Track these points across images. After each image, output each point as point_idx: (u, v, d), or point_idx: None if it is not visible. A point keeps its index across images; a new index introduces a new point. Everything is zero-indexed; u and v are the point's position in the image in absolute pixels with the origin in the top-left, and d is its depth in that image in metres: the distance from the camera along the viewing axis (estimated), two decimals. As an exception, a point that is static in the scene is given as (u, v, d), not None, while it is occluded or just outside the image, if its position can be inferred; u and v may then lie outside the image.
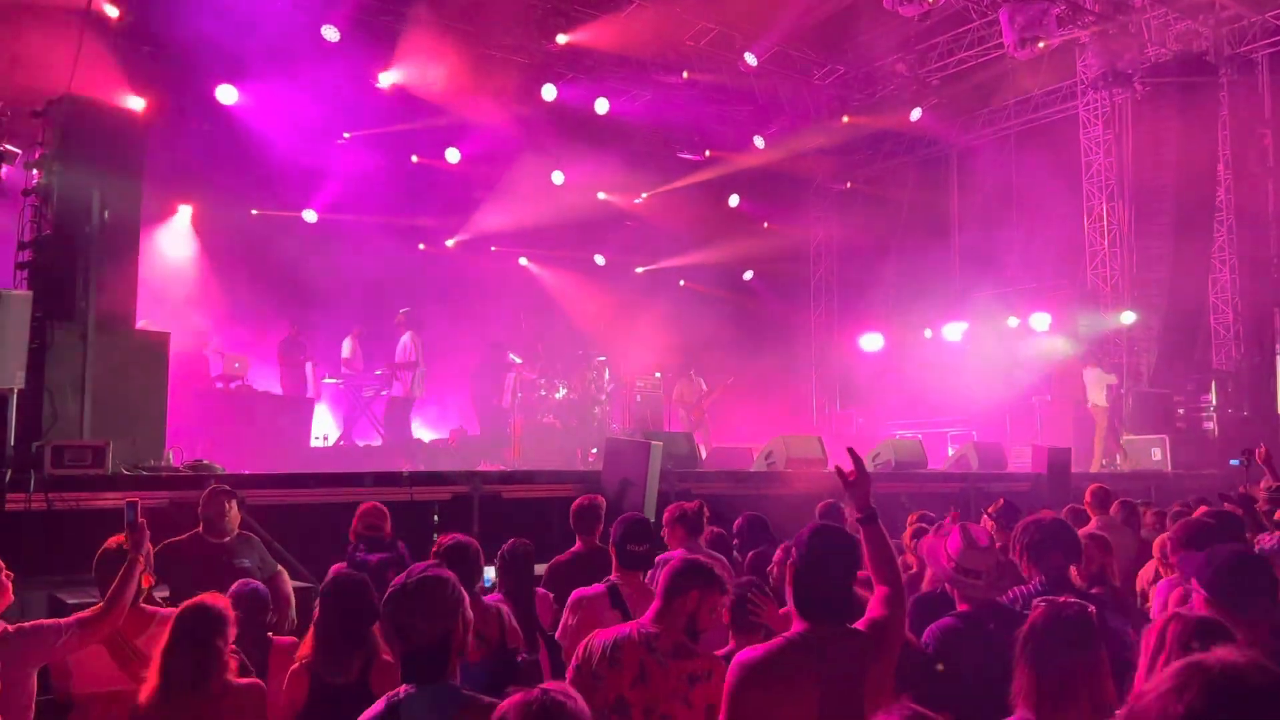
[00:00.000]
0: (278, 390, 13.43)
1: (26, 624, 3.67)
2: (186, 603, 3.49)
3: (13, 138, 8.06)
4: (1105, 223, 15.56)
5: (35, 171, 7.55)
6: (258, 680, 3.59)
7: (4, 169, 8.21)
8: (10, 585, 3.64)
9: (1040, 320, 15.56)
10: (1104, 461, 13.50)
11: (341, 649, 3.62)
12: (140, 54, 12.85)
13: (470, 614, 2.79)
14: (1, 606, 3.60)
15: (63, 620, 3.76)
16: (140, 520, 3.91)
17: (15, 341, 6.69)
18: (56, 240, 7.47)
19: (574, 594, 4.42)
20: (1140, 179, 15.23)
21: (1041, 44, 14.16)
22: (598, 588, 4.45)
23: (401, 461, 11.90)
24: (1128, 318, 14.80)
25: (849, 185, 20.11)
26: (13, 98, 8.03)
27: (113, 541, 4.05)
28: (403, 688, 2.67)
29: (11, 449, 6.19)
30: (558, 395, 14.61)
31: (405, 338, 13.70)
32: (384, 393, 14.01)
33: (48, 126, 7.66)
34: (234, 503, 5.33)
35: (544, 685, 2.12)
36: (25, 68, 8.40)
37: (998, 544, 6.06)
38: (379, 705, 2.68)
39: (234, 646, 3.48)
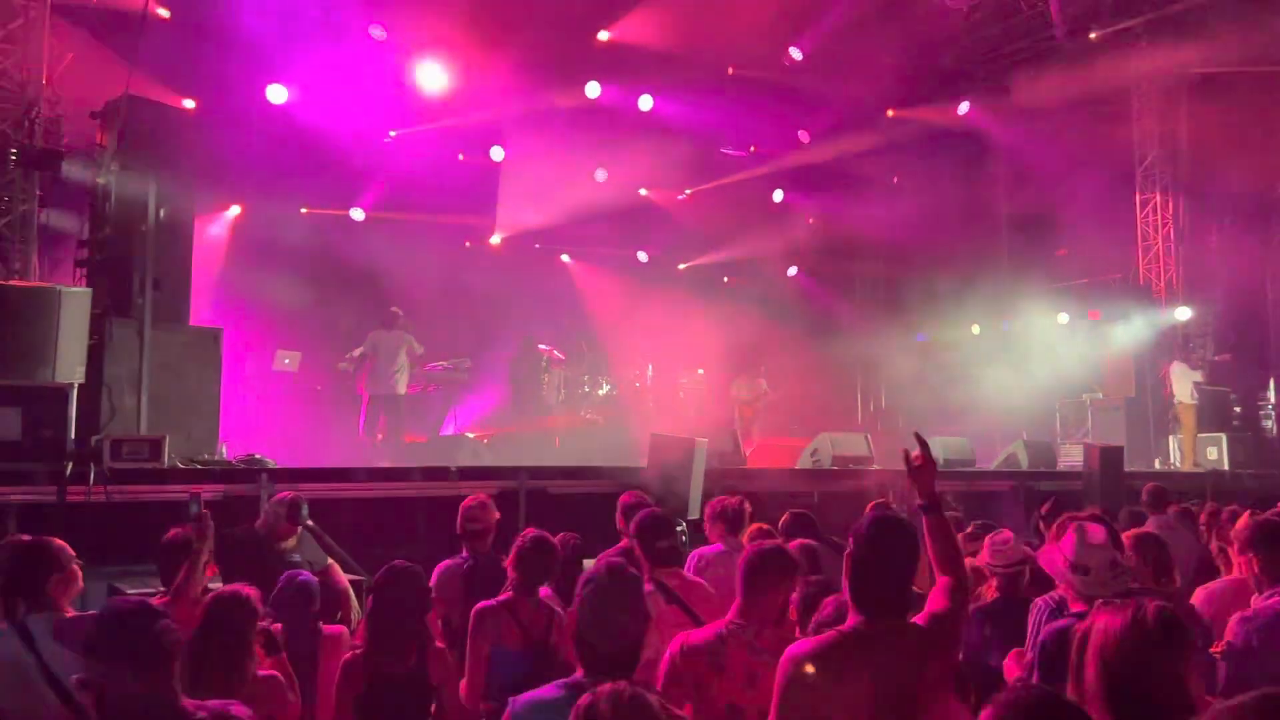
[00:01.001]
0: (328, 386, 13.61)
1: None
2: (216, 591, 3.56)
3: (72, 139, 8.28)
4: (1159, 216, 15.25)
5: (94, 171, 7.72)
6: (275, 672, 3.64)
7: (64, 169, 8.44)
8: (80, 573, 3.74)
9: (1091, 316, 15.28)
10: (1195, 461, 13.19)
11: (399, 638, 3.68)
12: (193, 54, 13.12)
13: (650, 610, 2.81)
14: (72, 595, 3.70)
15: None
16: (204, 512, 4.01)
17: (75, 337, 6.87)
18: (114, 238, 7.64)
19: None
20: (1195, 171, 14.90)
21: (1094, 34, 13.88)
22: (647, 586, 4.46)
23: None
24: (1183, 313, 14.49)
25: (895, 180, 19.87)
26: (73, 99, 8.23)
27: (173, 533, 4.14)
28: (585, 678, 2.64)
29: (72, 442, 6.34)
30: (600, 392, 14.63)
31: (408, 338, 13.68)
32: (429, 388, 14.13)
33: (105, 127, 7.83)
34: (298, 523, 5.38)
35: (630, 681, 2.14)
36: (84, 69, 8.61)
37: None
38: (556, 691, 2.64)
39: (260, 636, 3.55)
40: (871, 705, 2.61)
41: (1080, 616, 3.28)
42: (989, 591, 4.49)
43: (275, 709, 3.49)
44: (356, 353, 12.54)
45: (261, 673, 3.54)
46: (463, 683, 4.01)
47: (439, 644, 3.91)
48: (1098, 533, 3.52)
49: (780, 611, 3.30)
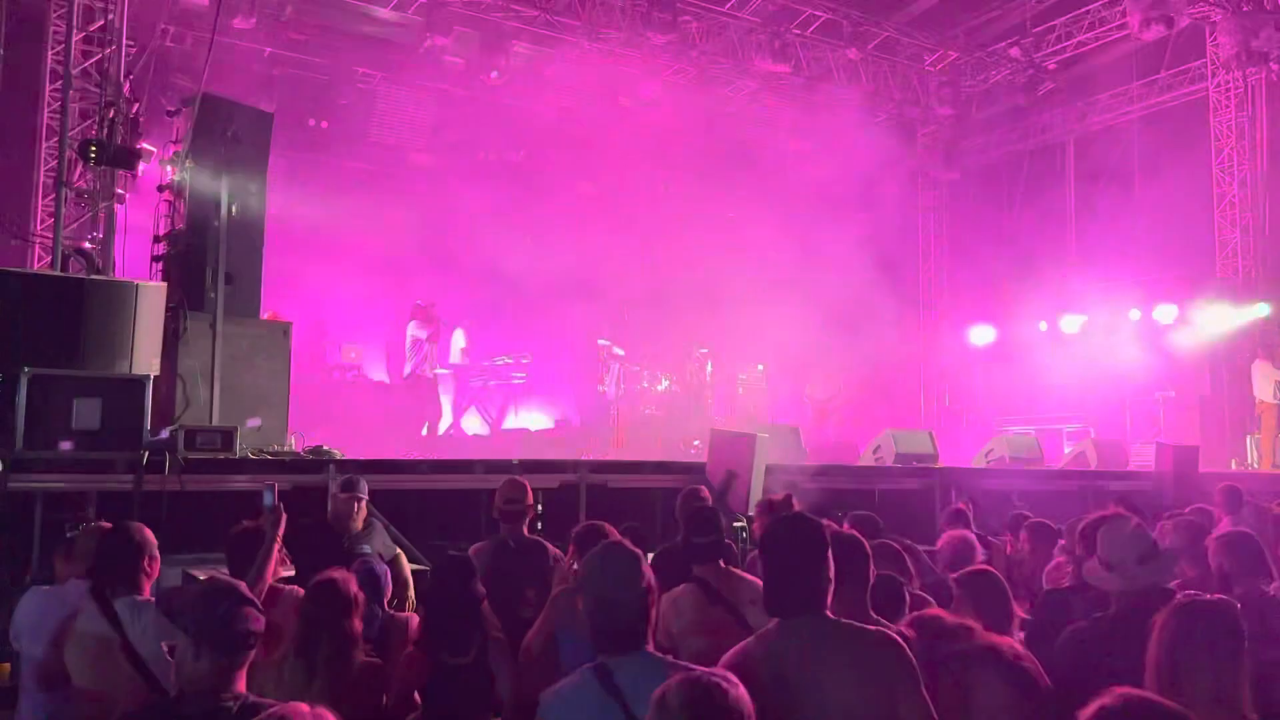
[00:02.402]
0: (391, 379, 13.85)
1: None
2: (318, 579, 3.63)
3: (149, 137, 8.51)
4: (1238, 210, 14.77)
5: (169, 168, 7.93)
6: (378, 660, 3.71)
7: (141, 166, 8.68)
8: (152, 546, 3.88)
9: (1165, 313, 14.84)
10: (1274, 462, 12.80)
11: (455, 628, 3.72)
12: (267, 57, 13.43)
13: (656, 586, 2.83)
14: (153, 580, 3.85)
15: None
16: (278, 503, 4.11)
17: (152, 330, 7.06)
18: (188, 234, 7.83)
19: (665, 599, 4.41)
20: (1276, 163, 14.40)
21: (1170, 24, 13.48)
22: (685, 586, 4.41)
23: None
24: (1263, 310, 14.02)
25: (960, 174, 19.54)
26: (150, 98, 8.45)
27: (246, 523, 4.25)
28: (600, 659, 2.70)
29: (148, 432, 6.52)
30: (660, 387, 14.66)
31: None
32: (492, 382, 14.30)
33: (181, 125, 8.04)
34: (363, 503, 5.50)
35: (706, 670, 2.15)
36: (163, 69, 8.83)
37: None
38: (583, 676, 2.69)
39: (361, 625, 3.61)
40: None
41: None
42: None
43: (376, 696, 3.56)
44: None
45: (371, 660, 3.62)
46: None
47: (497, 635, 3.95)
48: (1124, 526, 3.44)
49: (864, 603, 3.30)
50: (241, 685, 2.57)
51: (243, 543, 4.31)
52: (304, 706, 2.20)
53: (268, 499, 4.12)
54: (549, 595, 4.33)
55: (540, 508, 7.77)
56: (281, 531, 4.13)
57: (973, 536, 5.13)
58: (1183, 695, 2.29)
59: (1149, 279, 15.78)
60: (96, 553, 3.85)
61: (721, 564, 4.45)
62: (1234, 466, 13.01)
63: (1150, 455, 11.25)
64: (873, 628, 2.76)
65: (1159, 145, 15.91)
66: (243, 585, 2.81)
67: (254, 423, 7.59)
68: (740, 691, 2.09)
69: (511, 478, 5.24)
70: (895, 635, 2.75)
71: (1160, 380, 14.85)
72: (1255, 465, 12.99)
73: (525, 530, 5.09)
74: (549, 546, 5.11)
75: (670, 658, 2.75)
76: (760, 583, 4.35)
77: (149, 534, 3.89)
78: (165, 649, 2.61)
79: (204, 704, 2.50)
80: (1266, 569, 4.27)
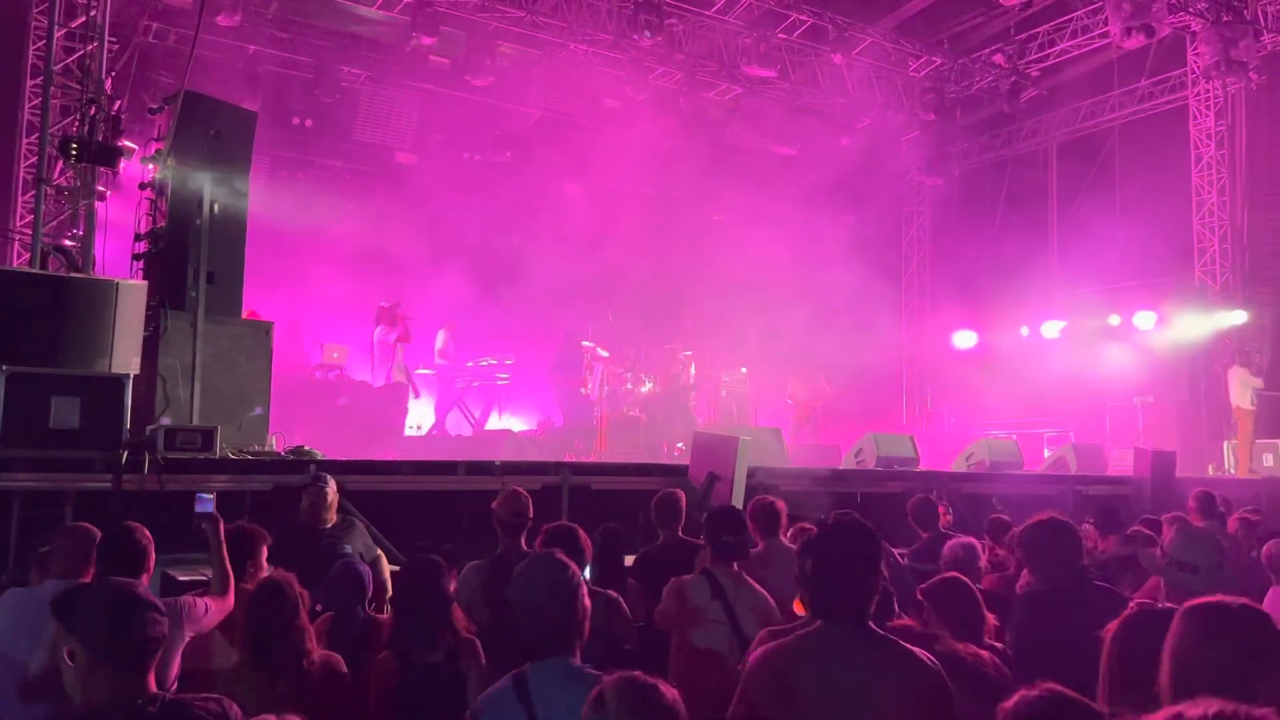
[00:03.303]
0: (374, 380, 13.80)
1: (181, 598, 3.92)
2: (261, 582, 3.63)
3: (131, 134, 8.44)
4: (1216, 218, 14.92)
5: (151, 166, 7.88)
6: (336, 655, 3.70)
7: (122, 164, 8.61)
8: (150, 548, 3.86)
9: (1144, 319, 14.98)
10: (1250, 468, 12.92)
11: (425, 628, 3.73)
12: (251, 55, 13.36)
13: (587, 599, 2.87)
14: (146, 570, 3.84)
15: (202, 598, 4.01)
16: (215, 512, 4.14)
17: (132, 329, 7.01)
18: (169, 232, 7.77)
19: (672, 581, 4.44)
20: (1254, 172, 14.56)
21: (1151, 33, 13.60)
22: (694, 576, 4.46)
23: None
24: (1239, 317, 14.16)
25: (944, 180, 19.66)
26: (132, 95, 8.38)
27: (231, 525, 4.26)
28: (526, 665, 2.77)
29: (127, 432, 6.47)
30: (643, 389, 14.67)
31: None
32: (475, 383, 14.28)
33: (163, 123, 7.99)
34: (331, 489, 5.48)
35: (639, 673, 2.16)
36: (146, 66, 8.77)
37: (1101, 546, 5.89)
38: (504, 682, 2.78)
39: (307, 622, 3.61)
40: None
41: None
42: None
43: (343, 691, 3.55)
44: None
45: (324, 654, 3.61)
46: None
47: (467, 635, 3.96)
48: (1203, 530, 3.45)
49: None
50: (152, 685, 2.51)
51: (233, 543, 4.30)
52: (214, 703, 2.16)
53: (204, 506, 4.12)
54: None
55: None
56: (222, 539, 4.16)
57: (975, 543, 5.16)
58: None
59: (1129, 285, 15.92)
60: (101, 555, 3.82)
61: (735, 567, 4.49)
62: (1211, 472, 13.14)
63: (1129, 460, 11.35)
64: (918, 650, 2.73)
65: (1140, 153, 16.06)
66: (141, 587, 2.75)
67: (256, 412, 7.58)
68: (675, 694, 2.11)
69: (514, 489, 5.18)
70: (938, 665, 2.72)
71: (1139, 386, 14.99)
72: (1232, 471, 13.12)
73: (523, 543, 5.07)
74: None
75: (590, 668, 2.76)
76: (765, 594, 4.41)
77: (149, 535, 3.88)
78: (67, 654, 2.53)
79: (119, 713, 2.42)
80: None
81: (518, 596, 2.84)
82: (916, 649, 2.73)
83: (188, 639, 3.83)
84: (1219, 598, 2.31)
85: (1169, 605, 2.69)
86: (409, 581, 3.88)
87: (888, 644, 2.71)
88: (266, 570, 4.29)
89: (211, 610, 3.96)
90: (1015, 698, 1.94)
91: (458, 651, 3.80)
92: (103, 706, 2.42)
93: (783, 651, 2.73)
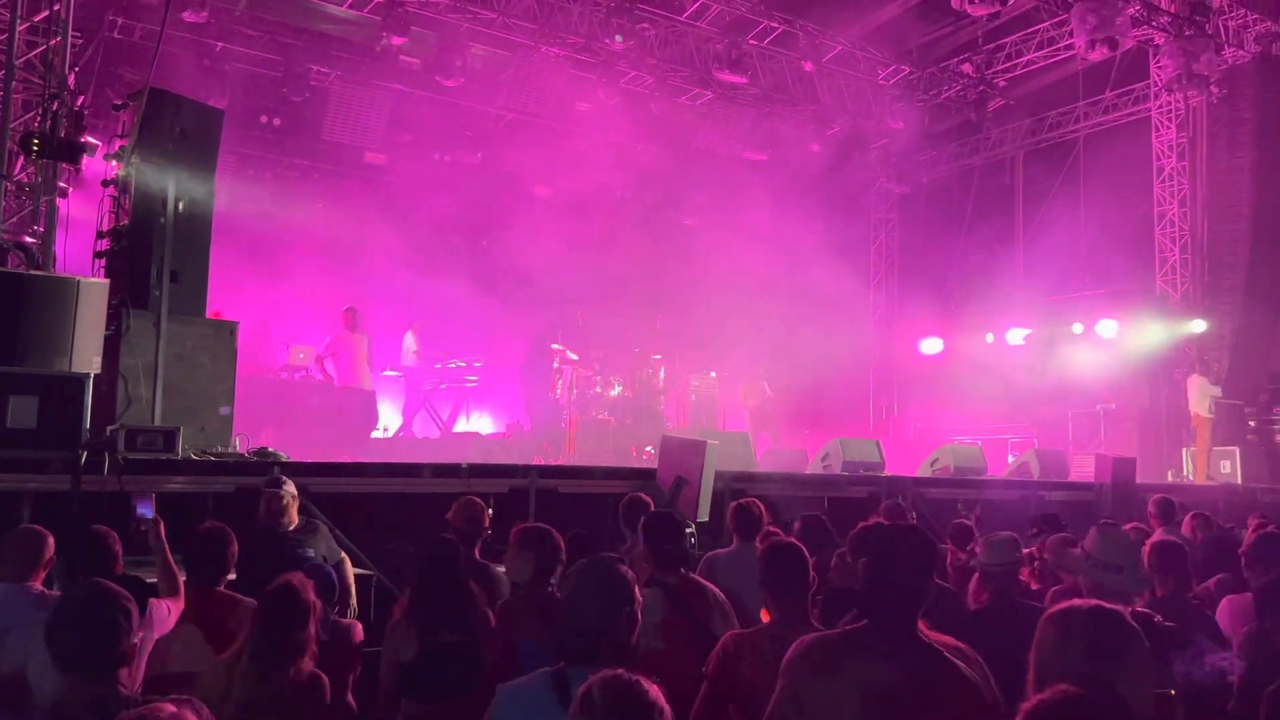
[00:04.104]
0: (339, 381, 13.67)
1: (150, 601, 3.86)
2: (274, 584, 3.60)
3: (94, 130, 8.31)
4: (1177, 228, 15.17)
5: (114, 163, 7.77)
6: (320, 672, 3.67)
7: (85, 160, 8.49)
8: (120, 553, 3.82)
9: (1107, 327, 15.20)
10: (1208, 474, 13.13)
11: (453, 605, 3.85)
12: (218, 53, 13.22)
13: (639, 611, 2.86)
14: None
15: (163, 601, 3.98)
16: (156, 516, 4.12)
17: (92, 328, 6.90)
18: (133, 230, 7.66)
19: None
20: (1215, 184, 14.82)
21: (1114, 45, 13.82)
22: (648, 590, 4.42)
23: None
24: (1199, 326, 14.41)
25: (912, 188, 19.85)
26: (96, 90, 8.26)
27: (208, 525, 4.22)
28: (561, 665, 2.74)
29: (87, 431, 6.38)
30: (613, 392, 14.66)
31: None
32: (443, 385, 14.19)
33: (127, 119, 7.88)
34: (291, 491, 5.42)
35: (623, 670, 2.18)
36: (110, 61, 8.65)
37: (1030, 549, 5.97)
38: (536, 679, 2.74)
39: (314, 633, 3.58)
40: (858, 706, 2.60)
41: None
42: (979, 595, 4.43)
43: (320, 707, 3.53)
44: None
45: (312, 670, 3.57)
46: None
47: (485, 612, 4.03)
48: (1124, 532, 3.54)
49: (805, 610, 3.35)
50: (122, 689, 2.48)
51: (205, 543, 4.25)
52: (170, 705, 2.14)
53: (144, 510, 4.09)
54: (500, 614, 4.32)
55: (491, 511, 7.77)
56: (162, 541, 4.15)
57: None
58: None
59: (1093, 294, 16.16)
60: (70, 558, 3.77)
61: (683, 571, 4.49)
62: (1170, 478, 13.35)
63: (1091, 466, 11.51)
64: (960, 663, 2.72)
65: (1104, 163, 16.31)
66: (121, 593, 2.71)
67: (224, 411, 7.50)
68: (658, 691, 2.12)
69: (469, 498, 5.14)
70: (977, 678, 2.71)
71: (1102, 393, 15.20)
72: (1190, 477, 13.34)
73: (477, 553, 5.03)
74: (494, 568, 5.01)
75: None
76: (719, 591, 4.42)
77: (117, 538, 3.84)
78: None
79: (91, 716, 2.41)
80: (1188, 579, 4.42)
81: (569, 605, 2.82)
82: (959, 660, 2.73)
83: (153, 642, 3.79)
84: (1073, 602, 2.49)
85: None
86: (431, 560, 3.99)
87: (932, 652, 2.70)
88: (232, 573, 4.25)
89: (173, 612, 3.93)
90: (1033, 700, 1.98)
91: (478, 629, 3.86)
92: (75, 711, 2.39)
93: (828, 644, 2.73)
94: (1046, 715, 1.94)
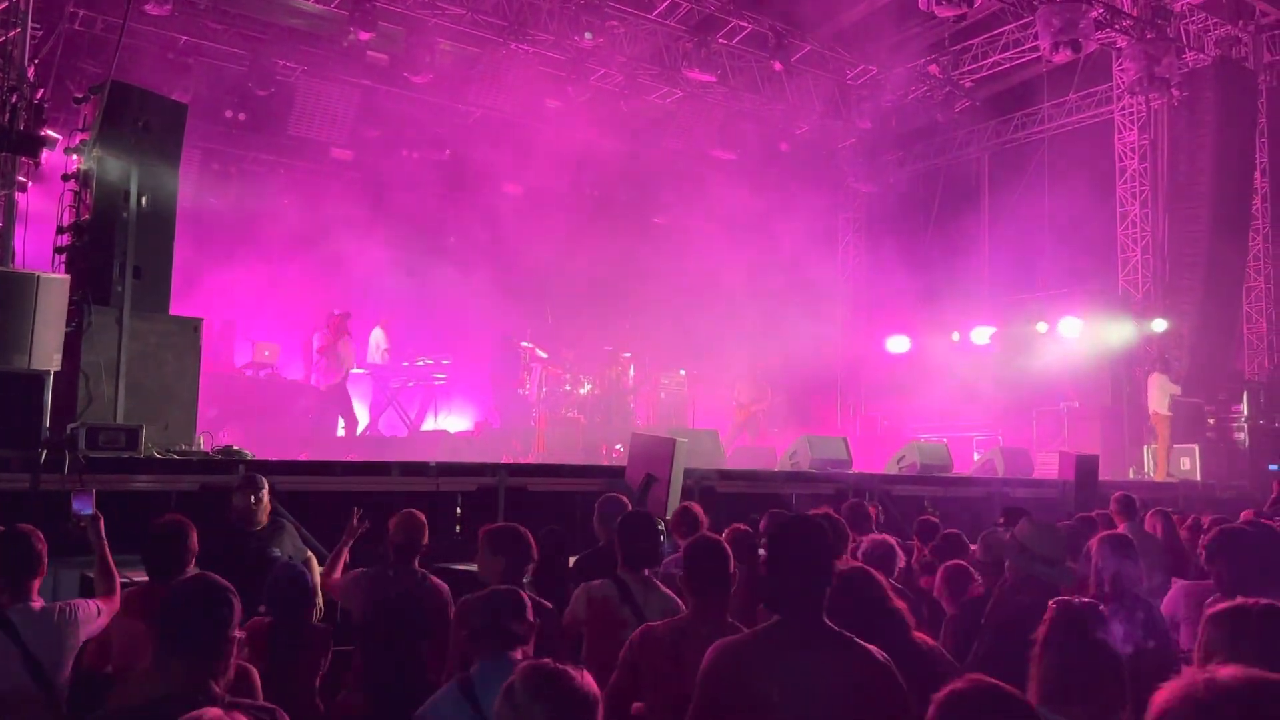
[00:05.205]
0: (306, 379, 13.56)
1: (73, 601, 3.83)
2: (187, 577, 3.55)
3: (54, 124, 8.17)
4: (1139, 229, 15.40)
5: (75, 157, 7.64)
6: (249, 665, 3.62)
7: (45, 154, 8.35)
8: (45, 553, 3.74)
9: (1070, 326, 15.39)
10: (1168, 472, 13.32)
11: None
12: (182, 46, 13.04)
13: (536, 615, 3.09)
14: (40, 574, 3.72)
15: (93, 600, 3.91)
16: (96, 511, 4.19)
17: (52, 324, 6.79)
18: (94, 225, 7.55)
19: (581, 587, 4.41)
20: (1175, 185, 15.06)
21: (1077, 48, 14.00)
22: (603, 581, 4.41)
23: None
24: (1159, 325, 14.63)
25: (879, 187, 20.00)
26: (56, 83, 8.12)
27: (165, 521, 4.17)
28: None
29: (47, 429, 6.27)
30: (582, 390, 14.64)
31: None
32: (411, 383, 14.10)
33: (89, 113, 7.75)
34: (265, 491, 5.36)
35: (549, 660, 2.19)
36: (71, 54, 8.50)
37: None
38: (444, 689, 2.94)
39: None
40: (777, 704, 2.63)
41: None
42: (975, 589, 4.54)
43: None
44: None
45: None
46: None
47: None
48: (1054, 526, 3.65)
49: (723, 606, 3.38)
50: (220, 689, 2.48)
51: (162, 541, 4.16)
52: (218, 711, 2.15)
53: (82, 507, 4.03)
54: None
55: (459, 510, 7.73)
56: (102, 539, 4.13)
57: (893, 541, 5.21)
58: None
59: (1057, 293, 16.36)
60: None
61: (646, 572, 4.48)
62: (1132, 475, 13.56)
63: (1054, 463, 11.67)
64: (870, 646, 2.75)
65: (1068, 164, 16.52)
66: (227, 586, 2.70)
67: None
68: (586, 679, 2.14)
69: (410, 511, 5.00)
70: (888, 660, 2.75)
71: (1065, 391, 15.40)
72: (1151, 474, 13.54)
73: (416, 565, 4.92)
74: (436, 581, 4.91)
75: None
76: (675, 598, 4.42)
77: (41, 539, 3.75)
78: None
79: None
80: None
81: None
82: (869, 645, 2.77)
83: (81, 641, 3.74)
84: (1242, 601, 2.52)
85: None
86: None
87: (841, 639, 2.75)
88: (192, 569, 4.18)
89: (104, 611, 3.86)
90: (945, 690, 1.99)
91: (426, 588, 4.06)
92: (168, 700, 2.42)
93: (740, 646, 2.77)
94: (959, 704, 1.95)
